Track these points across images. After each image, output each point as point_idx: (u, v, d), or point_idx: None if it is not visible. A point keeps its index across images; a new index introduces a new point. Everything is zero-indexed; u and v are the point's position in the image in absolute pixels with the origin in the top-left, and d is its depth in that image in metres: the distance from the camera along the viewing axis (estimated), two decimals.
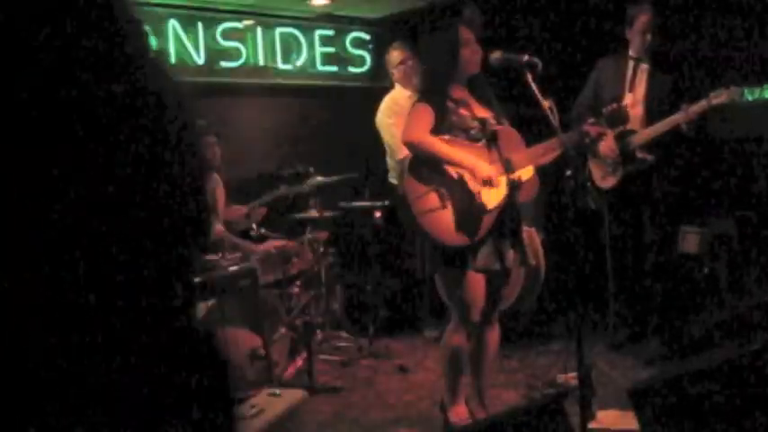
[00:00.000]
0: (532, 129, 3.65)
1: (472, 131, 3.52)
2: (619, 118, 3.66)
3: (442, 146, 3.42)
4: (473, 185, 3.43)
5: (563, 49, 5.90)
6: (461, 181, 3.44)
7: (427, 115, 3.48)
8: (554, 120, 3.25)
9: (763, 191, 5.19)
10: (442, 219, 3.42)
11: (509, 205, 3.49)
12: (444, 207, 3.43)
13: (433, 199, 3.43)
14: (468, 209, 3.43)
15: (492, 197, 3.45)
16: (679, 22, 5.45)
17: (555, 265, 4.87)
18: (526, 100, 3.36)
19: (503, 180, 3.46)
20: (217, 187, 5.40)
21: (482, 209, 3.43)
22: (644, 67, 4.84)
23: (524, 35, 6.08)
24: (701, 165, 5.36)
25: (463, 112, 3.55)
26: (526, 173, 3.54)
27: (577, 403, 3.16)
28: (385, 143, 5.41)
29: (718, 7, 5.35)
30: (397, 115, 5.17)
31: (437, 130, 3.47)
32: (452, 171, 3.46)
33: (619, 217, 4.94)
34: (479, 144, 3.50)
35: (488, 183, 3.41)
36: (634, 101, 4.78)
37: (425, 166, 3.47)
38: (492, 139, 3.51)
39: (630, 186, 4.79)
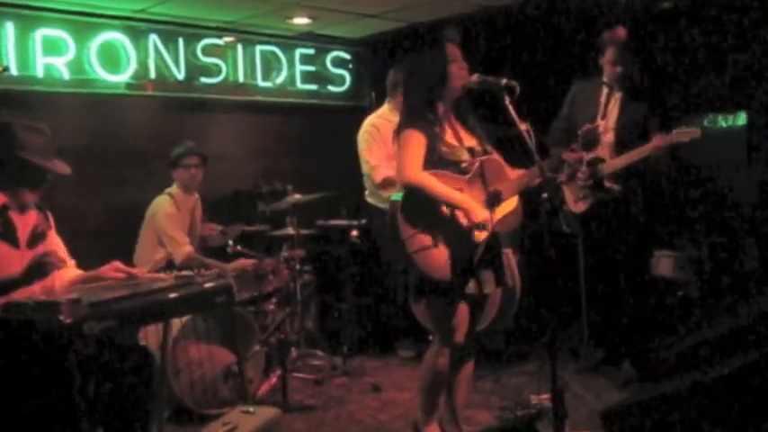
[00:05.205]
0: (507, 148, 3.65)
1: (462, 165, 3.52)
2: (592, 139, 3.68)
3: (439, 186, 3.40)
4: (467, 223, 3.43)
5: (541, 70, 5.94)
6: (454, 220, 3.44)
7: (419, 147, 3.45)
8: (531, 143, 3.23)
9: (736, 216, 5.25)
10: (434, 256, 3.42)
11: (492, 234, 3.52)
12: (436, 245, 3.43)
13: (425, 238, 3.43)
14: (461, 245, 3.44)
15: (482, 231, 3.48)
16: (653, 49, 5.52)
17: (529, 287, 4.88)
18: (502, 121, 3.35)
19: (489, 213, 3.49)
20: (195, 207, 5.39)
21: (474, 244, 3.45)
22: (617, 94, 4.83)
23: (501, 57, 6.11)
24: (675, 189, 5.41)
25: (451, 140, 3.55)
26: (509, 204, 3.56)
27: (550, 425, 3.17)
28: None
29: (693, 34, 5.42)
30: (374, 141, 5.04)
31: (428, 162, 3.45)
32: (445, 210, 3.45)
33: (592, 240, 4.94)
34: (467, 176, 3.50)
35: (482, 227, 3.43)
36: (606, 128, 4.76)
37: (417, 205, 3.45)
38: (480, 171, 3.52)
39: (604, 210, 4.79)
